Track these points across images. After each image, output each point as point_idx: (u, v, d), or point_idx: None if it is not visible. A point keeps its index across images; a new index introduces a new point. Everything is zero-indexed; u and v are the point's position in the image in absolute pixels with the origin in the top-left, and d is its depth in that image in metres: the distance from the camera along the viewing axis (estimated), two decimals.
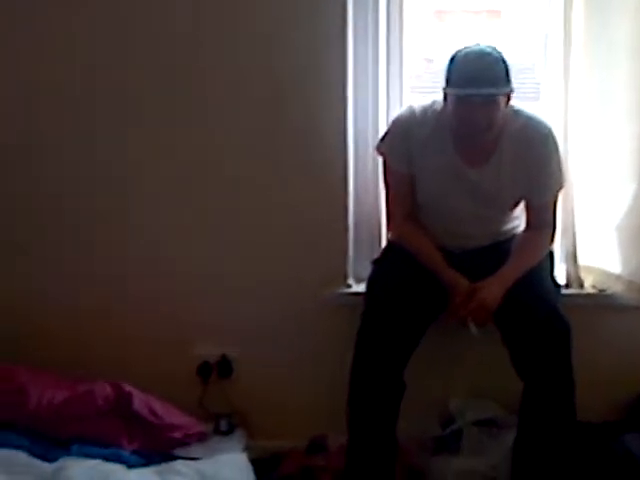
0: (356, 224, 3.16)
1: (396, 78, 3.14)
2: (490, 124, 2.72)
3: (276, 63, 3.03)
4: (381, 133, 3.01)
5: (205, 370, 3.22)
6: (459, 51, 2.71)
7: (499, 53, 2.70)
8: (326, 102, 3.04)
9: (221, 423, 3.13)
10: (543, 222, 2.91)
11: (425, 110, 2.87)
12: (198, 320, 3.19)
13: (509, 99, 2.74)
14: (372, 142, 3.09)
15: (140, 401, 2.91)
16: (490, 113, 2.70)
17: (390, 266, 2.95)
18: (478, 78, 2.64)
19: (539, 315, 2.71)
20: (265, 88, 3.06)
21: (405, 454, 3.00)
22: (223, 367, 3.22)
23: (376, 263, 3.02)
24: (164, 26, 3.05)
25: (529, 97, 3.15)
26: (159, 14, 3.04)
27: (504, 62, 2.69)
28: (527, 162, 2.82)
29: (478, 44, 2.73)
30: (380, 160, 3.02)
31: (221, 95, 3.07)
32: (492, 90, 2.67)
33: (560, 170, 2.88)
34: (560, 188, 2.91)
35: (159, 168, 3.14)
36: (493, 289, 2.78)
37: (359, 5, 3.02)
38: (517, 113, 2.83)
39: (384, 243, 3.18)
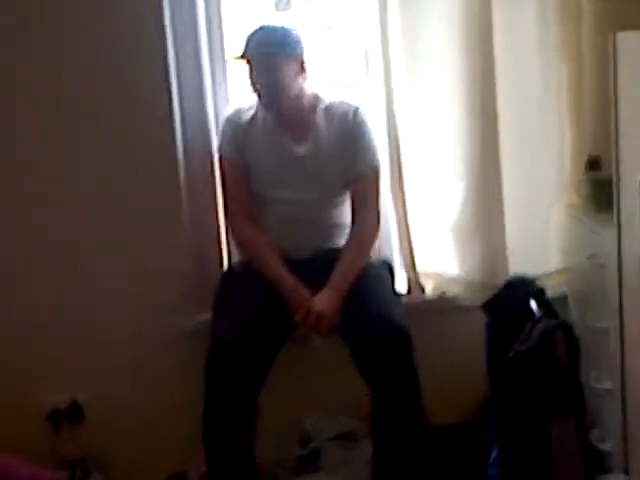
0: (196, 246, 3.11)
1: (222, 84, 3.18)
2: (277, 85, 2.87)
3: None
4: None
5: (55, 417, 3.12)
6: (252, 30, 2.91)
7: (286, 27, 2.91)
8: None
9: (77, 470, 3.05)
10: (365, 207, 2.97)
11: (250, 102, 3.03)
12: (43, 366, 3.09)
13: (302, 68, 2.90)
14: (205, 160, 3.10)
15: None
16: (277, 74, 2.86)
17: (232, 293, 2.94)
18: (259, 42, 2.86)
19: (378, 325, 2.74)
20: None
21: (267, 478, 2.98)
22: (74, 412, 3.13)
23: (218, 291, 3.00)
24: None
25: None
26: None
27: (290, 32, 2.90)
28: (342, 134, 2.95)
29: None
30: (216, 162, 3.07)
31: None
32: (270, 48, 2.85)
33: (374, 146, 2.99)
34: (377, 166, 2.99)
35: None
36: (328, 300, 2.84)
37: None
38: (326, 96, 3.00)
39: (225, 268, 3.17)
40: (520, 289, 2.91)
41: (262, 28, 2.91)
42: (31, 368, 3.09)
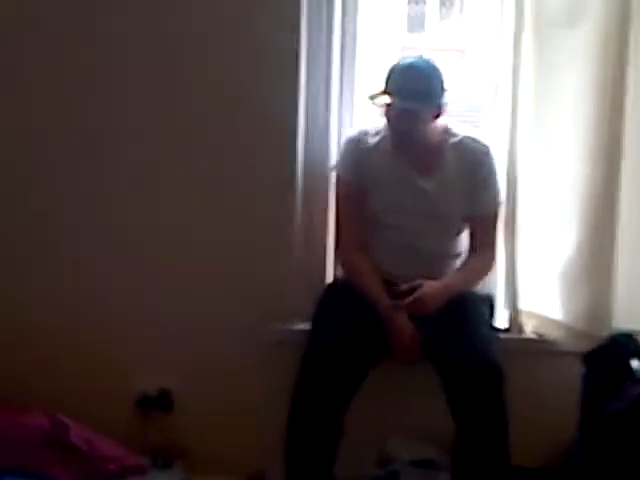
0: (302, 260, 3.15)
1: (349, 109, 3.22)
2: (415, 132, 2.88)
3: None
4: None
5: (145, 403, 3.18)
6: (399, 62, 2.88)
7: (433, 68, 2.86)
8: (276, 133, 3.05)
9: (159, 457, 3.10)
10: (485, 244, 3.00)
11: (376, 126, 3.02)
12: (138, 352, 3.17)
13: (441, 110, 2.89)
14: (323, 175, 3.14)
15: (76, 432, 2.87)
16: (415, 124, 2.87)
17: (334, 306, 2.96)
18: (402, 90, 2.81)
19: (472, 357, 2.73)
20: (213, 101, 3.07)
21: None
22: (163, 401, 3.19)
23: (320, 302, 3.02)
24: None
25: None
26: None
27: (435, 77, 2.86)
28: (469, 173, 2.96)
29: (419, 56, 2.90)
30: (334, 181, 3.09)
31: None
32: (413, 104, 2.81)
33: (499, 188, 3.01)
34: (499, 206, 3.02)
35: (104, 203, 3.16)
36: (435, 289, 2.88)
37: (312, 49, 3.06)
38: (456, 129, 2.99)
39: (330, 278, 3.20)
40: (623, 346, 2.85)
41: (409, 68, 2.85)
42: (126, 354, 3.17)
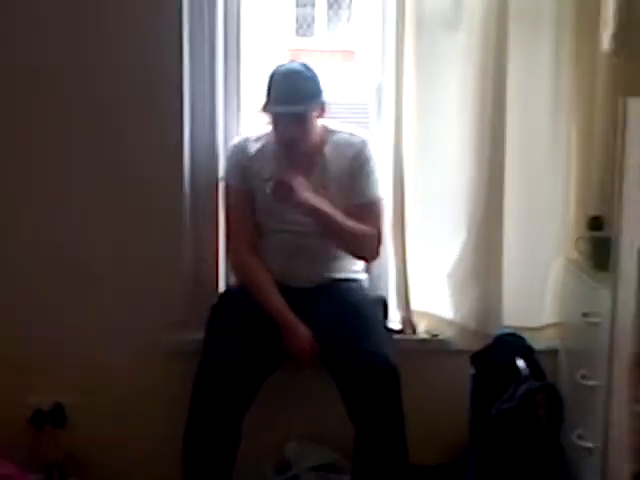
0: (193, 269, 3.14)
1: (234, 117, 3.24)
2: (303, 137, 2.94)
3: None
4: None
5: (38, 419, 3.12)
6: (275, 70, 2.93)
7: (309, 70, 2.93)
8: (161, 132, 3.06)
9: (53, 473, 3.05)
10: (369, 225, 2.99)
11: (257, 133, 3.09)
12: (30, 367, 3.11)
13: (323, 110, 2.96)
14: (211, 184, 3.15)
15: None
16: (301, 127, 2.93)
17: (227, 314, 2.95)
18: (286, 97, 2.88)
19: (366, 360, 2.75)
20: (102, 112, 3.06)
21: None
22: (57, 415, 3.14)
23: (213, 310, 3.01)
24: None
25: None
26: None
27: (313, 79, 2.93)
28: (347, 165, 3.00)
29: (292, 61, 2.99)
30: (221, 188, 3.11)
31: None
32: (299, 108, 2.89)
33: (377, 178, 3.04)
34: (379, 197, 3.04)
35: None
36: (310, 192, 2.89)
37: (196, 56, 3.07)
38: (334, 127, 3.06)
39: (222, 287, 3.20)
40: (509, 345, 2.91)
41: (285, 78, 2.90)
42: (18, 368, 3.10)
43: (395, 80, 3.06)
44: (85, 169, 3.08)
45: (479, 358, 2.91)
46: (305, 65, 2.95)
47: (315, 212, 2.89)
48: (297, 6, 10.76)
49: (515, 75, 2.99)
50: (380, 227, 3.04)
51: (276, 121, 2.94)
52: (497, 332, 2.99)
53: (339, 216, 2.92)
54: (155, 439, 3.07)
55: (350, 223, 2.93)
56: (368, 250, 3.04)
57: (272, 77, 2.93)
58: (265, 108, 2.92)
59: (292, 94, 2.88)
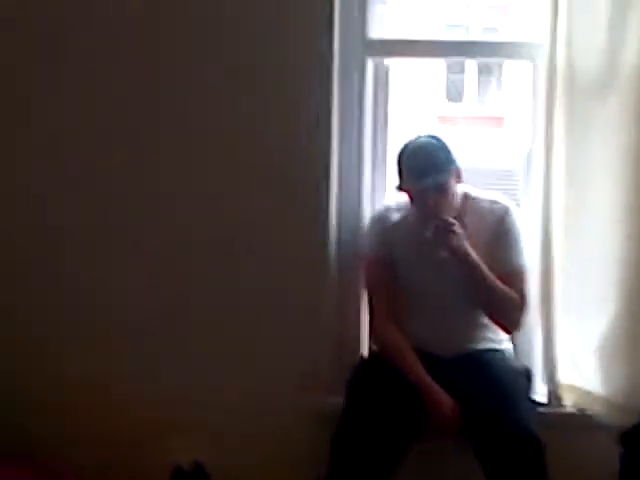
0: (337, 333, 3.16)
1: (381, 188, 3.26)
2: (444, 206, 2.90)
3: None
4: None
5: (179, 477, 3.14)
6: (405, 148, 2.94)
7: (439, 140, 2.92)
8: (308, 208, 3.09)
9: None
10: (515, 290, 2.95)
11: (397, 201, 3.08)
12: (176, 425, 3.15)
13: (459, 176, 2.94)
14: (356, 252, 3.15)
15: None
16: (441, 198, 2.89)
17: (368, 382, 2.92)
18: (422, 170, 2.86)
19: (510, 430, 2.68)
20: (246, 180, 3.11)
21: None
22: (198, 474, 3.15)
23: (354, 378, 2.98)
24: None
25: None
26: None
27: (444, 147, 2.91)
28: (490, 233, 2.97)
29: (420, 136, 2.95)
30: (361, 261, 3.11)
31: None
32: (437, 178, 2.86)
33: (522, 246, 3.00)
34: (524, 264, 2.99)
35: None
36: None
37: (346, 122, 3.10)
38: (475, 194, 3.04)
39: (364, 351, 3.19)
40: None
41: (417, 152, 2.91)
42: (160, 426, 3.15)
43: (545, 146, 3.01)
44: (228, 238, 3.14)
45: (629, 437, 2.78)
46: (433, 136, 2.94)
47: (469, 260, 2.87)
48: (448, 72, 10.86)
49: None
50: (526, 297, 2.98)
51: (416, 196, 2.93)
52: None
53: (489, 273, 2.89)
54: None
55: (499, 284, 2.90)
56: (513, 318, 2.98)
57: (403, 153, 2.94)
58: (402, 185, 2.93)
59: (427, 166, 2.86)
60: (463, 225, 2.93)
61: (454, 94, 9.72)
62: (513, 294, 2.93)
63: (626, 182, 2.92)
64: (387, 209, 3.10)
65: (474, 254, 2.88)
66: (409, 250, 3.01)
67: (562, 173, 3.01)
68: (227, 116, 3.09)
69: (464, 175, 2.96)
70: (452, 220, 2.87)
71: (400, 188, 2.95)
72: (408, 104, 3.45)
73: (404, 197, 3.01)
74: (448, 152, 2.92)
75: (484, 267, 2.89)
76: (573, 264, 3.04)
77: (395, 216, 3.06)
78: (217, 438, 3.15)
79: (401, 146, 2.96)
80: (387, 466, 2.77)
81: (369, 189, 3.21)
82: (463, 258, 2.87)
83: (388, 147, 3.25)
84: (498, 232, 2.97)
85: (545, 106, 3.00)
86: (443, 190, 2.90)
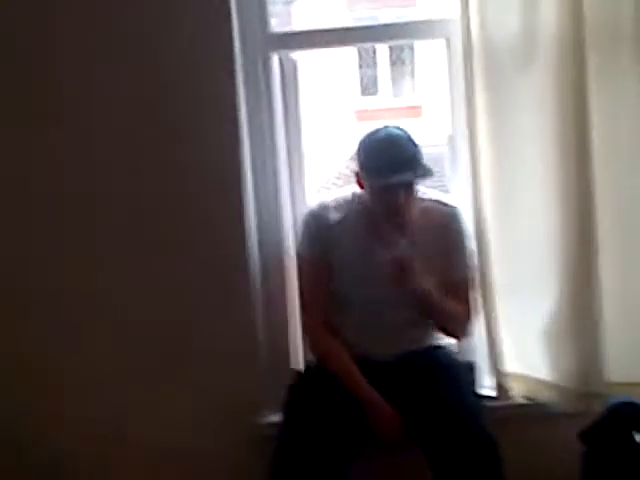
0: (267, 344, 3.00)
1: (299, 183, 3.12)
2: (410, 206, 2.77)
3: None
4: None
5: None
6: (369, 140, 2.77)
7: (406, 132, 2.76)
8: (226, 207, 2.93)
9: None
10: (459, 300, 2.86)
11: (336, 199, 2.92)
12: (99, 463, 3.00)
13: (428, 177, 2.78)
14: (279, 255, 3.02)
15: None
16: (409, 196, 2.76)
17: (305, 395, 2.81)
18: (394, 165, 2.68)
19: (460, 434, 2.58)
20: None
21: None
22: None
23: (292, 390, 2.85)
24: None
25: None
26: None
27: (414, 143, 2.75)
28: (438, 237, 2.85)
29: (386, 126, 2.79)
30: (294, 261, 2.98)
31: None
32: (410, 175, 2.71)
33: (471, 251, 2.89)
34: (472, 270, 2.89)
35: None
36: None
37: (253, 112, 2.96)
38: (421, 194, 2.86)
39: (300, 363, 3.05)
40: (624, 418, 2.61)
41: (387, 144, 2.73)
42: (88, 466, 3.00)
43: (467, 127, 2.87)
44: (149, 241, 2.98)
45: (590, 435, 2.63)
46: (399, 128, 2.79)
47: (427, 298, 2.77)
48: (361, 67, 10.87)
49: (598, 114, 2.76)
50: (473, 304, 2.90)
51: (382, 191, 2.74)
52: (609, 402, 2.70)
53: (443, 301, 2.79)
54: None
55: (451, 306, 2.82)
56: (462, 330, 2.92)
57: (367, 146, 2.77)
58: (367, 179, 2.76)
59: (400, 162, 2.69)
60: (409, 228, 2.81)
61: (369, 88, 9.73)
62: (461, 309, 2.86)
63: (556, 157, 2.79)
64: (324, 207, 2.90)
65: (425, 282, 2.75)
66: (349, 250, 2.86)
67: (488, 153, 2.88)
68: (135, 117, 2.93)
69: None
70: (410, 256, 2.71)
71: (359, 182, 2.80)
72: (322, 101, 3.30)
73: (342, 194, 2.90)
74: (419, 148, 2.76)
75: (435, 294, 2.77)
76: (509, 246, 2.92)
77: (334, 215, 2.89)
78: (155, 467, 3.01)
79: (363, 138, 2.79)
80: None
81: (287, 189, 3.06)
82: (422, 296, 2.77)
83: (303, 143, 3.10)
84: (447, 238, 2.86)
85: (464, 85, 2.86)
86: (411, 188, 2.75)
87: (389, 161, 2.70)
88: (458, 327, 2.90)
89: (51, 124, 2.93)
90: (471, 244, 2.90)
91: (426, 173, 2.73)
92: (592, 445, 2.62)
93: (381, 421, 2.71)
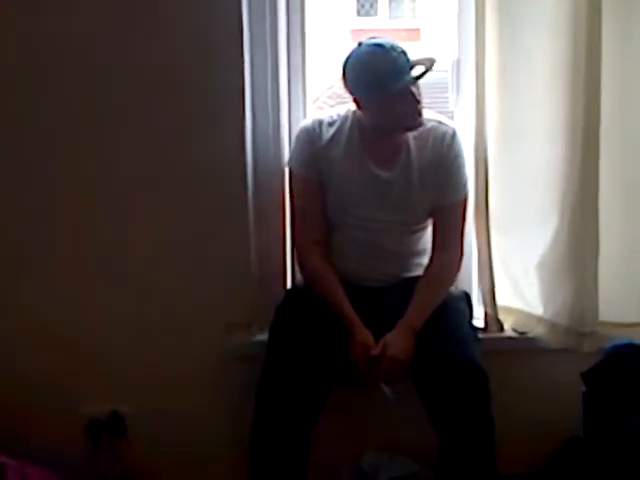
0: (259, 264, 2.94)
1: (299, 100, 3.02)
2: (418, 114, 2.69)
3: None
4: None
5: (95, 429, 2.95)
6: (355, 56, 2.66)
7: (390, 43, 2.65)
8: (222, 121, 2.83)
9: None
10: (452, 240, 2.80)
11: (331, 115, 2.84)
12: (84, 373, 2.95)
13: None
14: (276, 172, 2.93)
15: (14, 472, 2.61)
16: (419, 101, 2.67)
17: (293, 315, 2.76)
18: (395, 71, 2.61)
19: (453, 364, 2.54)
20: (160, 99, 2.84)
21: None
22: (115, 425, 2.95)
23: (279, 310, 2.81)
24: None
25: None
26: None
27: (400, 48, 2.66)
28: (435, 158, 2.78)
29: (365, 44, 2.67)
30: (287, 177, 2.89)
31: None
32: (408, 78, 2.62)
33: (466, 176, 2.82)
34: (466, 197, 2.83)
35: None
36: (402, 343, 2.61)
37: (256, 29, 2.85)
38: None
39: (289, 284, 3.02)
40: (629, 360, 2.57)
41: (377, 56, 2.62)
42: (74, 377, 2.94)
43: (475, 50, 2.79)
44: (141, 163, 2.87)
45: (592, 377, 2.58)
46: (384, 40, 2.67)
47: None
48: None
49: (610, 37, 2.66)
50: (464, 235, 2.84)
51: (389, 102, 2.63)
52: (613, 344, 2.65)
53: (429, 309, 2.69)
54: (220, 447, 2.94)
55: (438, 295, 2.74)
56: (456, 273, 2.86)
57: (357, 60, 2.65)
58: (364, 95, 2.66)
59: (394, 69, 2.60)
60: (407, 146, 2.76)
61: (367, 9, 9.60)
62: (450, 277, 2.80)
63: (564, 85, 2.72)
64: (319, 123, 2.81)
65: (410, 341, 2.62)
66: (342, 167, 2.78)
67: (495, 79, 2.81)
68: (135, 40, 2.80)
69: None
70: (393, 352, 2.59)
71: (356, 102, 2.71)
72: (319, 20, 3.20)
73: (338, 111, 2.82)
74: (404, 52, 2.66)
75: (422, 321, 2.66)
76: (509, 177, 2.87)
77: (327, 131, 2.80)
78: (135, 388, 2.96)
79: (347, 57, 2.68)
80: (314, 409, 2.63)
81: (286, 108, 2.96)
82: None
83: (306, 64, 3.00)
84: (445, 162, 2.78)
85: (475, 7, 2.78)
86: (415, 92, 2.66)
87: (380, 72, 2.61)
88: (451, 285, 2.83)
89: None
90: (466, 169, 2.82)
91: (428, 67, 2.64)
92: (593, 386, 2.59)
93: (354, 345, 2.64)
